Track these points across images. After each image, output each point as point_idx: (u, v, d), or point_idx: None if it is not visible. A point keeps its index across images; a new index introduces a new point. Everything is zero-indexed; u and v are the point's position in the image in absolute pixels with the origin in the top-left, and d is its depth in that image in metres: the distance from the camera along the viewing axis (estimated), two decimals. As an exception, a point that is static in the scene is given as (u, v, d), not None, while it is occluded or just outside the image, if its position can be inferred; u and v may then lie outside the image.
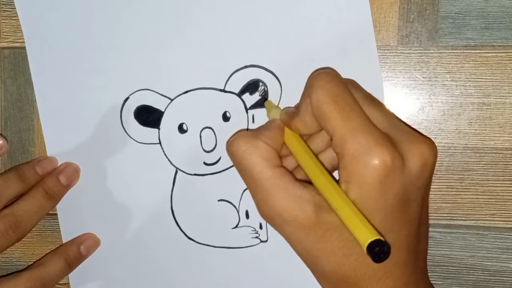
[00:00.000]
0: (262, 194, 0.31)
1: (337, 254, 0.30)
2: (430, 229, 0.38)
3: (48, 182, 0.39)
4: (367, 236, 0.26)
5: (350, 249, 0.30)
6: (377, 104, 0.32)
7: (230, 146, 0.32)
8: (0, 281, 0.37)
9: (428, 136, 0.36)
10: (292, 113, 0.33)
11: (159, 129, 0.39)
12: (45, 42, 0.39)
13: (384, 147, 0.28)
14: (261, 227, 0.39)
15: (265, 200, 0.31)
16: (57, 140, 0.40)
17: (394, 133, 0.30)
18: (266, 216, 0.32)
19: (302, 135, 0.33)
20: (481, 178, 0.37)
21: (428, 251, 0.34)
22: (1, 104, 0.41)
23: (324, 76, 0.31)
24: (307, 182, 0.31)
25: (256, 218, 0.39)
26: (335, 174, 0.34)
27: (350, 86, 0.32)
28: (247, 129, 0.38)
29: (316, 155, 0.33)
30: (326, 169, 0.31)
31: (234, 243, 0.40)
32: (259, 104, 0.38)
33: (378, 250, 0.26)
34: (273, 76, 0.37)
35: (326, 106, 0.30)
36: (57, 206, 0.40)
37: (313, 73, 0.33)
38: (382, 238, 0.26)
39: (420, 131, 0.37)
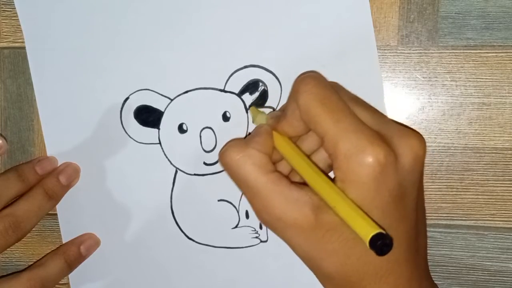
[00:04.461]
0: (259, 201, 0.31)
1: (339, 254, 0.30)
2: (430, 229, 0.38)
3: (48, 182, 0.39)
4: (368, 231, 0.26)
5: (352, 249, 0.30)
6: (363, 104, 0.33)
7: (223, 156, 0.32)
8: (0, 281, 0.37)
9: (428, 136, 0.37)
10: (278, 117, 0.33)
11: (159, 129, 0.39)
12: (45, 42, 0.39)
13: (376, 144, 0.29)
14: (261, 227, 0.39)
15: (264, 206, 0.31)
16: (57, 140, 0.40)
17: (383, 130, 0.30)
18: (266, 222, 0.32)
19: (291, 137, 0.33)
20: (481, 178, 0.37)
21: (428, 251, 0.34)
22: (1, 104, 0.41)
23: (310, 80, 0.31)
24: (304, 184, 0.31)
25: (256, 218, 0.39)
26: (330, 175, 0.34)
27: (335, 89, 0.32)
28: (247, 131, 0.38)
29: (308, 156, 0.33)
30: (320, 169, 0.31)
31: (234, 243, 0.40)
32: (259, 104, 0.38)
33: (381, 244, 0.26)
34: (273, 76, 0.37)
35: (314, 110, 0.30)
36: (57, 206, 0.40)
37: (298, 77, 0.33)
38: (383, 231, 0.26)
39: (420, 131, 0.37)
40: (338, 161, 0.29)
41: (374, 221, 0.27)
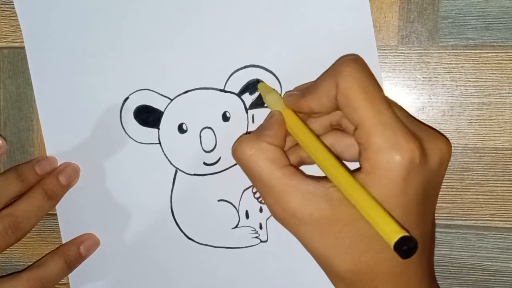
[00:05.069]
0: (273, 196, 0.31)
1: (354, 251, 0.29)
2: (430, 229, 0.38)
3: (48, 182, 0.39)
4: (393, 234, 0.26)
5: (368, 245, 0.29)
6: (393, 101, 0.33)
7: (235, 151, 0.32)
8: (0, 281, 0.37)
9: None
10: (297, 96, 0.33)
11: (158, 129, 0.39)
12: (44, 42, 0.39)
13: (412, 142, 0.28)
14: (261, 227, 0.39)
15: (278, 202, 0.30)
16: (57, 140, 0.40)
17: (414, 130, 0.30)
18: (280, 218, 0.31)
19: (305, 114, 0.33)
20: (481, 178, 0.37)
21: (429, 251, 0.35)
22: (1, 104, 0.41)
23: (354, 63, 0.30)
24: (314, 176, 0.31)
25: (256, 218, 0.39)
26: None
27: None
28: (247, 130, 0.38)
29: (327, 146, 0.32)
30: (340, 161, 0.30)
31: (234, 243, 0.40)
32: (259, 104, 0.38)
33: (406, 248, 0.25)
34: (273, 76, 0.37)
35: (355, 95, 0.29)
36: (56, 206, 0.40)
37: (340, 58, 0.32)
38: (408, 235, 0.26)
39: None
40: (369, 152, 0.29)
41: (399, 223, 0.27)
